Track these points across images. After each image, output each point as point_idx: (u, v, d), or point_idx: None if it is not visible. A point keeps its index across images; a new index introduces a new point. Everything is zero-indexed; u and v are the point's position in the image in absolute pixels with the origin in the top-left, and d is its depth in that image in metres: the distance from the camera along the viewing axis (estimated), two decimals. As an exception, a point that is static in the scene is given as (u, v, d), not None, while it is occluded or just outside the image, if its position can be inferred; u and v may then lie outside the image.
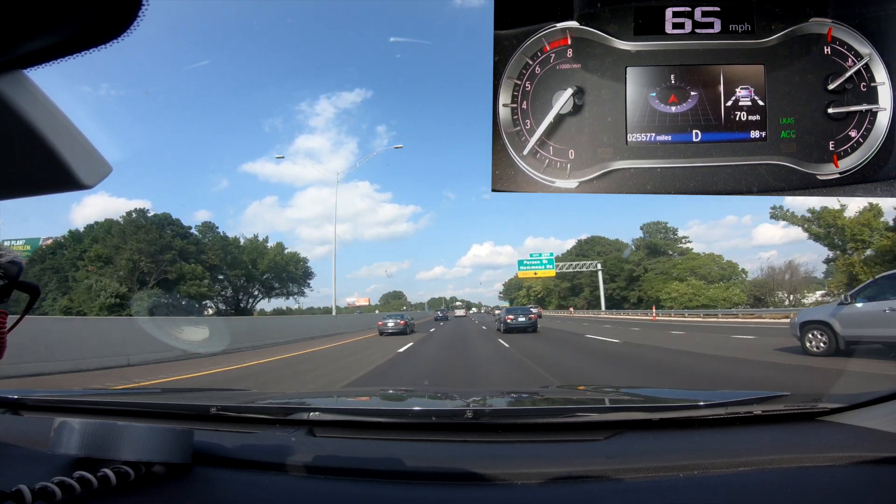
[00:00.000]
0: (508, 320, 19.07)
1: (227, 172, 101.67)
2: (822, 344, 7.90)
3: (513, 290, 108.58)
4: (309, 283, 58.26)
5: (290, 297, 57.84)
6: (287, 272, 55.51)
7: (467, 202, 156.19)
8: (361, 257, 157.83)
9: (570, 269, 60.64)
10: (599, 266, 57.97)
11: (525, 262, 52.02)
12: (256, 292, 56.49)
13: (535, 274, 52.48)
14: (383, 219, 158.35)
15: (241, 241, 53.68)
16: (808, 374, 6.44)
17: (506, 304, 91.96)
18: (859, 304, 7.49)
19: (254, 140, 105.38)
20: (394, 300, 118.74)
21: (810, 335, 8.10)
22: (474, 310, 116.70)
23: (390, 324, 21.04)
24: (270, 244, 56.62)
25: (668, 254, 59.17)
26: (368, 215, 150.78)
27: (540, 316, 27.79)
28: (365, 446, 1.02)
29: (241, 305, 54.20)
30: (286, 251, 56.97)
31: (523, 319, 19.02)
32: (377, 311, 68.27)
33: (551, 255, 53.37)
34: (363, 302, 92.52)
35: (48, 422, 0.84)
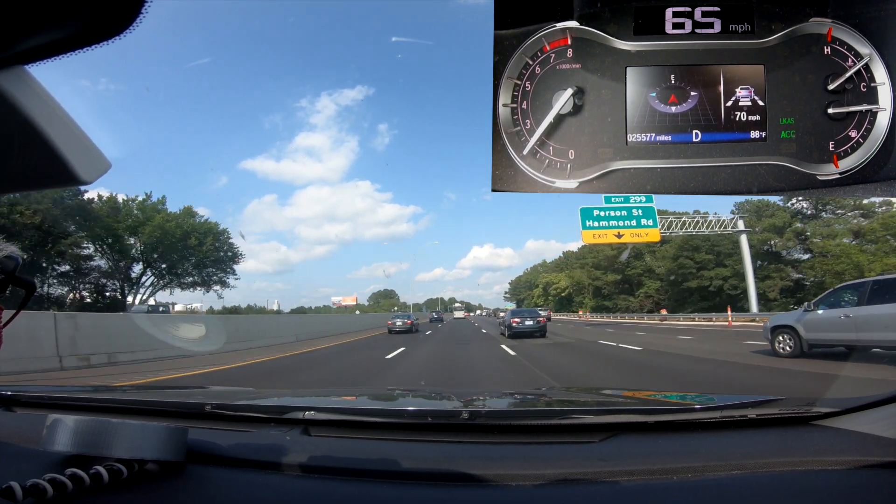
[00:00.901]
0: (514, 324, 16.48)
1: (226, 169, 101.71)
2: (788, 347, 8.59)
3: (521, 289, 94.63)
4: (234, 269, 39.93)
5: (211, 290, 39.54)
6: (190, 249, 36.13)
7: (468, 203, 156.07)
8: (361, 258, 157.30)
9: (687, 231, 30.87)
10: (741, 224, 30.53)
11: (597, 212, 25.10)
12: (146, 278, 37.52)
13: (618, 236, 25.46)
14: (383, 219, 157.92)
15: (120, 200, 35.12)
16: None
17: (510, 305, 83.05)
18: (820, 311, 8.20)
19: (254, 137, 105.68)
20: (384, 300, 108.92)
21: (779, 338, 8.79)
22: (480, 311, 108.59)
23: (398, 322, 24.25)
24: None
25: (836, 213, 33.97)
26: (368, 215, 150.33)
27: (549, 319, 23.95)
28: (360, 446, 1.01)
29: (114, 296, 35.21)
30: (204, 221, 37.91)
31: (531, 323, 16.55)
32: (357, 312, 59.01)
33: (649, 198, 24.41)
34: (350, 301, 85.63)
35: (41, 419, 0.83)
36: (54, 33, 0.41)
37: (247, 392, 1.86)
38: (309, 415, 1.13)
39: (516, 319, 16.75)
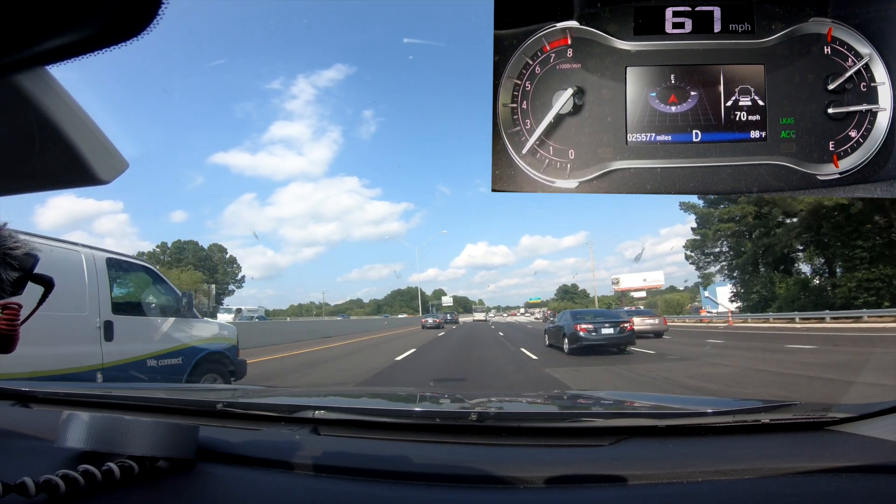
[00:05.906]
0: (583, 332, 10.61)
1: (203, 167, 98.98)
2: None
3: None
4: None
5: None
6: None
7: (462, 199, 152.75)
8: (352, 259, 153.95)
9: None
10: None
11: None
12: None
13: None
14: (373, 217, 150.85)
15: None
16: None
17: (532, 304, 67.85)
18: None
19: (235, 130, 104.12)
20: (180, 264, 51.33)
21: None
22: (510, 315, 73.33)
23: (430, 321, 30.99)
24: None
25: None
26: (358, 213, 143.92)
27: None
28: (369, 446, 1.02)
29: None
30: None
31: (611, 331, 10.69)
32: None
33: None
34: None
35: (57, 415, 0.85)
36: (76, 33, 0.41)
37: (257, 390, 1.88)
38: (319, 414, 1.13)
39: (586, 326, 10.79)
